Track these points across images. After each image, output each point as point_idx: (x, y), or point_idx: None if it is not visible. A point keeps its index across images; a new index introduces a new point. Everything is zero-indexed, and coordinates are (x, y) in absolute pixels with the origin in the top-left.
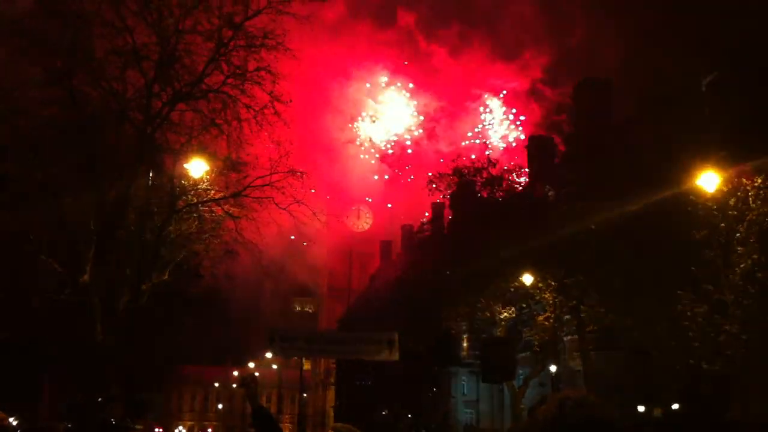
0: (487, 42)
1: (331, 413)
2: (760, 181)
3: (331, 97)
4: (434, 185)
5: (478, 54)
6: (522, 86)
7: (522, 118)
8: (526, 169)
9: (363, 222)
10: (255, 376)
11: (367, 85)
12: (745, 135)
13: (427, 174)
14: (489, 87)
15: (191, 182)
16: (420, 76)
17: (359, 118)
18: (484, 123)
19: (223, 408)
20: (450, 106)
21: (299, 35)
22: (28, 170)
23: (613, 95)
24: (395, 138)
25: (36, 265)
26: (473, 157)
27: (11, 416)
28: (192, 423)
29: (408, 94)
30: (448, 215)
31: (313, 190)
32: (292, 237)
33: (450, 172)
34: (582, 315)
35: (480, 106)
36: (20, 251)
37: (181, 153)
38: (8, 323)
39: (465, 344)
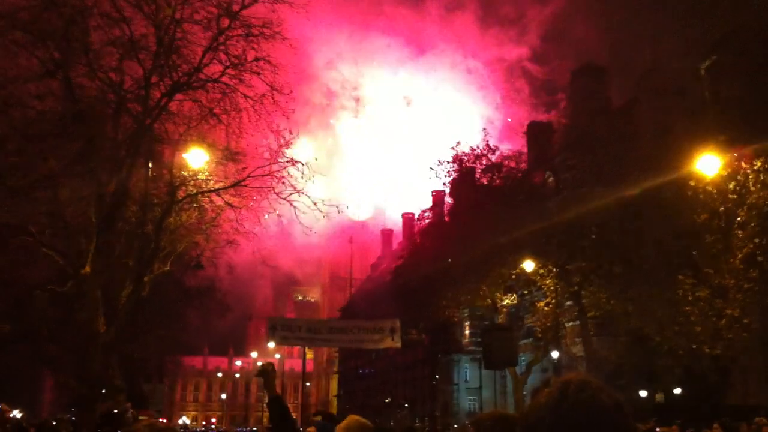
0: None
1: (335, 402)
2: (759, 164)
3: (320, 77)
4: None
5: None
6: (513, 62)
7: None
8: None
9: (363, 210)
10: (273, 366)
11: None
12: (744, 119)
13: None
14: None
15: (190, 172)
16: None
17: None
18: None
19: (226, 398)
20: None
21: (298, 23)
22: (27, 163)
23: (609, 80)
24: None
25: (37, 258)
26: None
27: (15, 409)
28: (195, 413)
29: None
30: (449, 202)
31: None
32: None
33: (450, 159)
34: (583, 301)
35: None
36: (21, 244)
37: (180, 143)
38: (10, 316)
39: (467, 331)
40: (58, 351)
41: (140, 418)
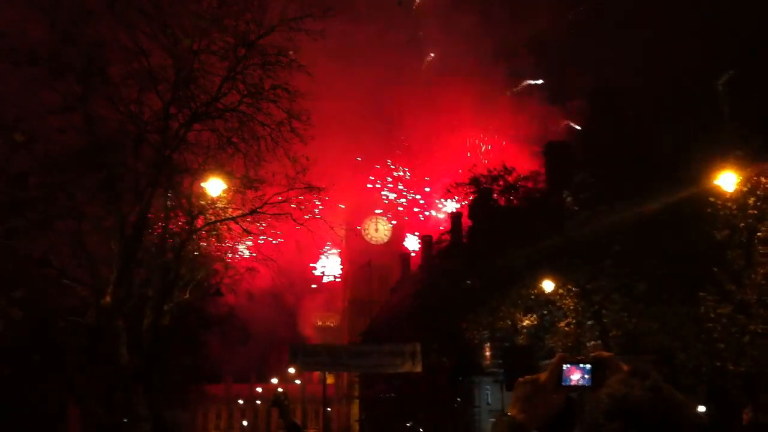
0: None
1: (356, 427)
2: None
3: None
4: (452, 195)
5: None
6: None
7: None
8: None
9: (381, 234)
10: (287, 394)
11: None
12: (763, 133)
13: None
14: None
15: (209, 201)
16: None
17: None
18: None
19: (248, 425)
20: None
21: (316, 52)
22: (49, 196)
23: (627, 98)
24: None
25: (59, 290)
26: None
27: None
28: None
29: None
30: (467, 224)
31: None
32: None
33: (467, 181)
34: (604, 320)
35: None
36: (43, 276)
37: (199, 172)
38: (34, 348)
39: (487, 353)
40: (83, 381)
41: None
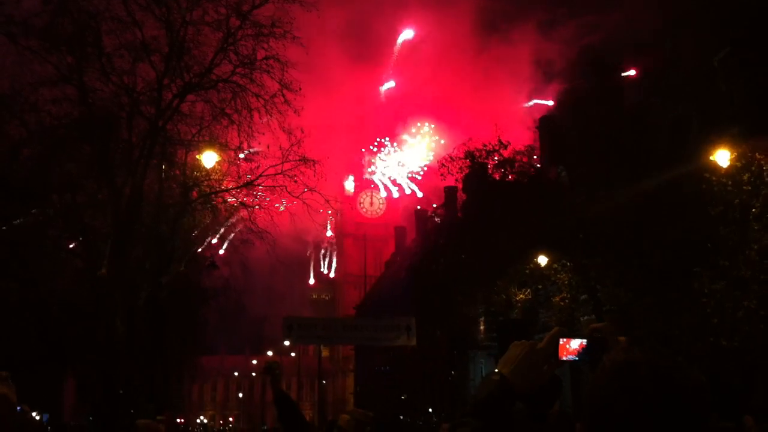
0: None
1: (351, 399)
2: None
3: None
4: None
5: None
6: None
7: None
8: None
9: (376, 207)
10: (279, 363)
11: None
12: (758, 110)
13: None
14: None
15: (204, 173)
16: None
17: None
18: None
19: (243, 397)
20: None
21: (306, 22)
22: (44, 168)
23: (622, 74)
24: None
25: (56, 263)
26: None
27: (34, 411)
28: (213, 413)
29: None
30: (462, 199)
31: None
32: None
33: (461, 155)
34: (598, 295)
35: None
36: (39, 249)
37: (193, 144)
38: (32, 320)
39: (482, 327)
40: (80, 354)
41: (158, 418)
